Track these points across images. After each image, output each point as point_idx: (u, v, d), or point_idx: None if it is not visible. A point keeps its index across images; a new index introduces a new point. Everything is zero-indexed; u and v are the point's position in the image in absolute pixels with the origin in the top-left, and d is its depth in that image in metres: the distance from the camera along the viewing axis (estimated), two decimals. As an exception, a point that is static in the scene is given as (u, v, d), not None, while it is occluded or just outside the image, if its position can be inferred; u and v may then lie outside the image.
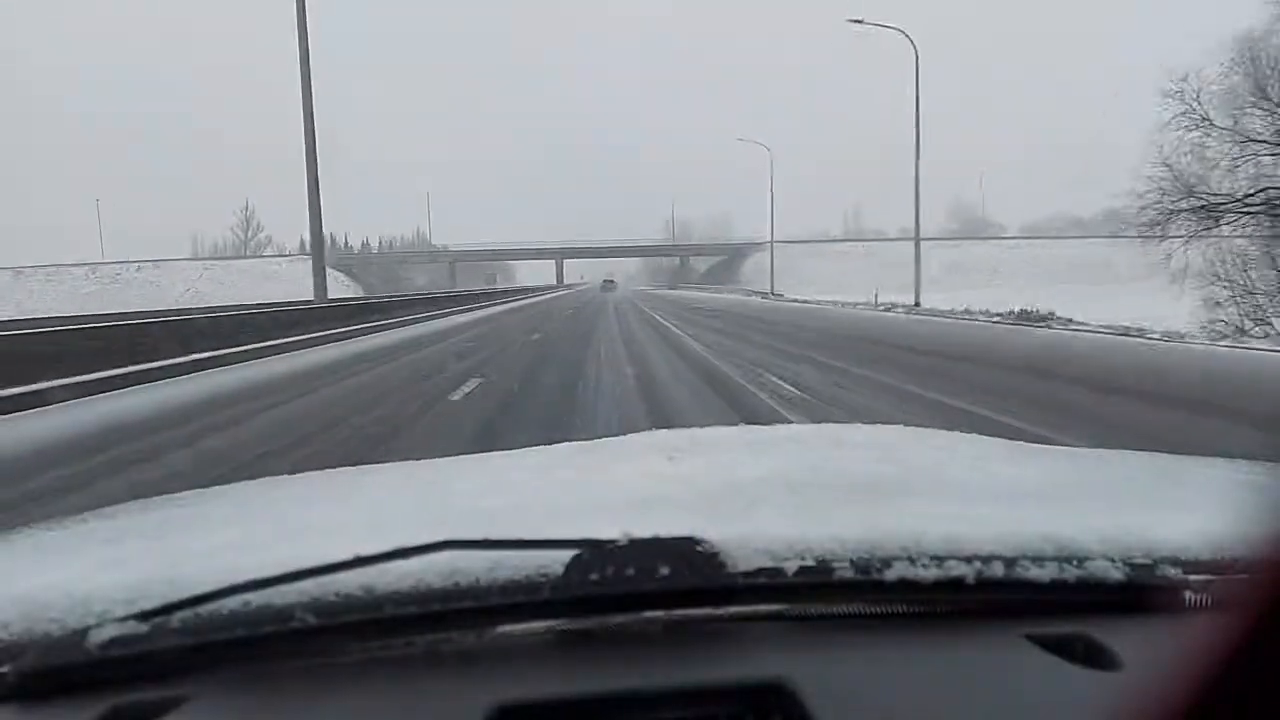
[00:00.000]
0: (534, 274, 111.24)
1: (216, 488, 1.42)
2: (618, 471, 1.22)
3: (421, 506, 1.15)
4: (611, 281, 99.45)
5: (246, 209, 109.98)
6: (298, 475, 1.58)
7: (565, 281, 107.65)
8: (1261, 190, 17.82)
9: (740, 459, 1.30)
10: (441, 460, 1.56)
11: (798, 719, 0.67)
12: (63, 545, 1.06)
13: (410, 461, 1.52)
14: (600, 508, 0.98)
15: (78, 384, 9.17)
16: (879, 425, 1.83)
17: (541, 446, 1.46)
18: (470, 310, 32.35)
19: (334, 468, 1.63)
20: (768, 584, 0.77)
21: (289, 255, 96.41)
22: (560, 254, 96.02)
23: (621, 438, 1.47)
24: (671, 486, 1.06)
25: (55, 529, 1.13)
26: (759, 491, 0.99)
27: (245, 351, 13.06)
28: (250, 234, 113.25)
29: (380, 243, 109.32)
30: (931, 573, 0.78)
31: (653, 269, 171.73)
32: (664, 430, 1.55)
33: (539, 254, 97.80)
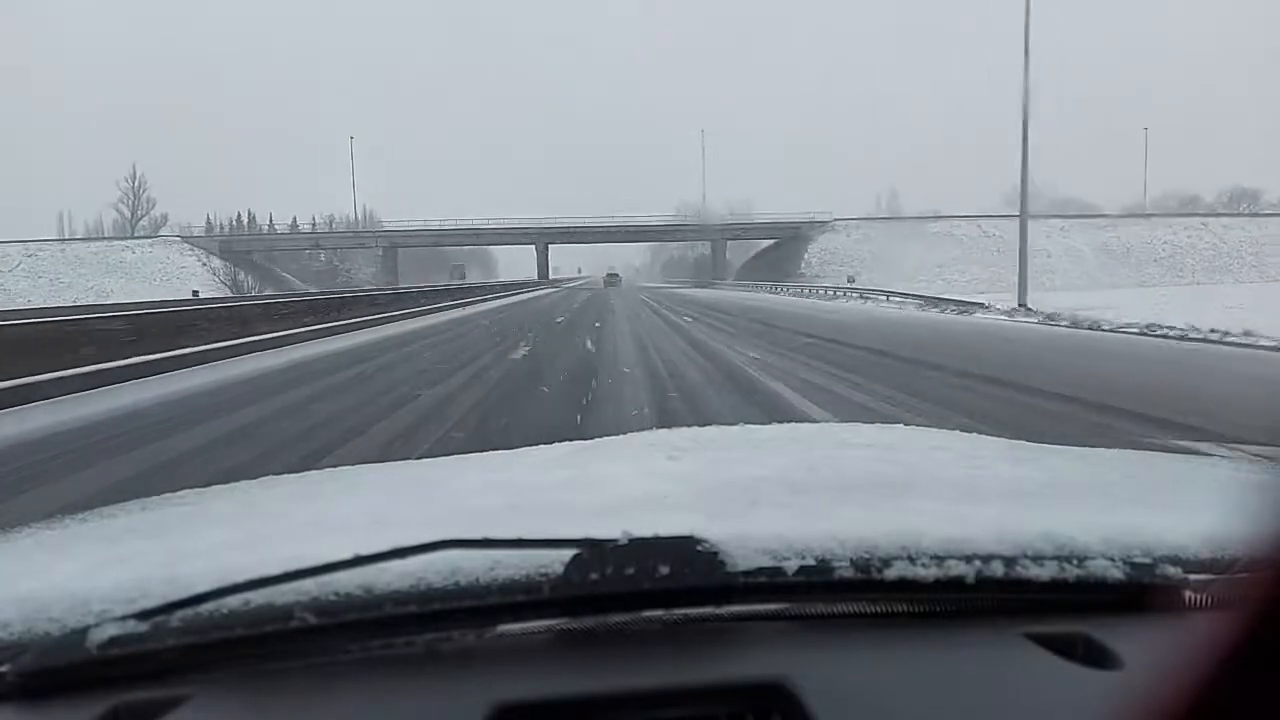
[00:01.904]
0: (521, 264, 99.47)
1: (216, 487, 1.51)
2: (618, 470, 1.30)
3: (421, 505, 1.24)
4: (615, 275, 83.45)
5: (133, 179, 79.34)
6: (298, 474, 1.68)
7: (552, 276, 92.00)
8: None
9: (741, 458, 1.37)
10: (442, 459, 1.68)
11: (798, 719, 0.71)
12: (63, 545, 1.15)
13: (410, 461, 1.63)
14: (600, 507, 1.05)
15: None
16: (880, 425, 1.87)
17: (542, 446, 1.56)
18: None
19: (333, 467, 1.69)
20: (768, 583, 0.83)
21: (150, 237, 65.58)
22: (542, 237, 64.19)
23: (622, 436, 1.56)
24: (672, 485, 1.14)
25: (55, 529, 1.23)
26: (759, 491, 1.07)
27: None
28: (139, 211, 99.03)
29: (315, 225, 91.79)
30: (931, 572, 0.84)
31: (664, 261, 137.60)
32: (665, 429, 1.64)
33: (513, 236, 65.97)
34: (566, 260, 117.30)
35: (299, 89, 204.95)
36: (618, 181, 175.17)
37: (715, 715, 0.74)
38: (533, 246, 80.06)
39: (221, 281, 58.69)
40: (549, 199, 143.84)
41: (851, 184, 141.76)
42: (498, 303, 38.98)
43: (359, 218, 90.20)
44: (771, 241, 78.41)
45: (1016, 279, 24.04)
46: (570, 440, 1.69)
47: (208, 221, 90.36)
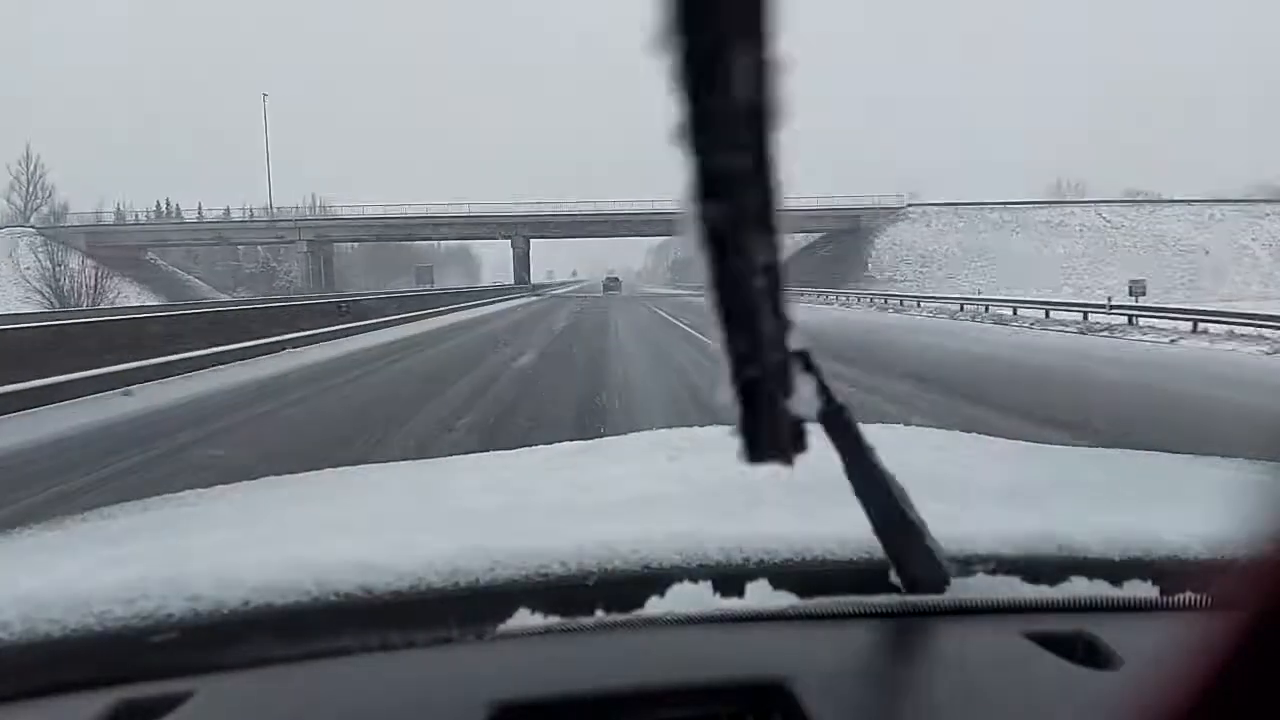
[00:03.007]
0: (510, 264, 74.55)
1: (217, 487, 1.54)
2: (618, 470, 1.34)
3: (422, 506, 1.30)
4: (615, 279, 67.67)
5: (28, 162, 63.82)
6: (298, 475, 1.70)
7: (541, 280, 79.04)
8: None
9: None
10: (442, 460, 1.73)
11: (798, 719, 0.75)
12: (63, 545, 1.22)
13: (411, 461, 1.66)
14: (601, 507, 1.10)
15: None
16: (880, 425, 1.87)
17: (542, 446, 1.60)
18: None
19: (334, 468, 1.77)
20: (768, 580, 0.88)
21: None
22: (520, 229, 43.23)
23: (622, 437, 1.60)
24: (672, 485, 1.19)
25: (56, 529, 1.30)
26: (759, 491, 1.13)
27: None
28: (35, 199, 78.17)
29: (250, 215, 73.62)
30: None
31: (671, 262, 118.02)
32: (665, 429, 1.68)
33: (482, 228, 45.55)
34: (560, 261, 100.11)
35: (274, 82, 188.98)
36: (617, 182, 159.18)
37: (715, 715, 0.77)
38: (509, 242, 62.28)
39: (35, 288, 41.81)
40: (545, 198, 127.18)
41: (860, 186, 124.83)
42: (395, 333, 23.14)
43: (277, 205, 74.15)
44: (815, 236, 60.70)
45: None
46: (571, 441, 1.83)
47: (117, 211, 73.48)
